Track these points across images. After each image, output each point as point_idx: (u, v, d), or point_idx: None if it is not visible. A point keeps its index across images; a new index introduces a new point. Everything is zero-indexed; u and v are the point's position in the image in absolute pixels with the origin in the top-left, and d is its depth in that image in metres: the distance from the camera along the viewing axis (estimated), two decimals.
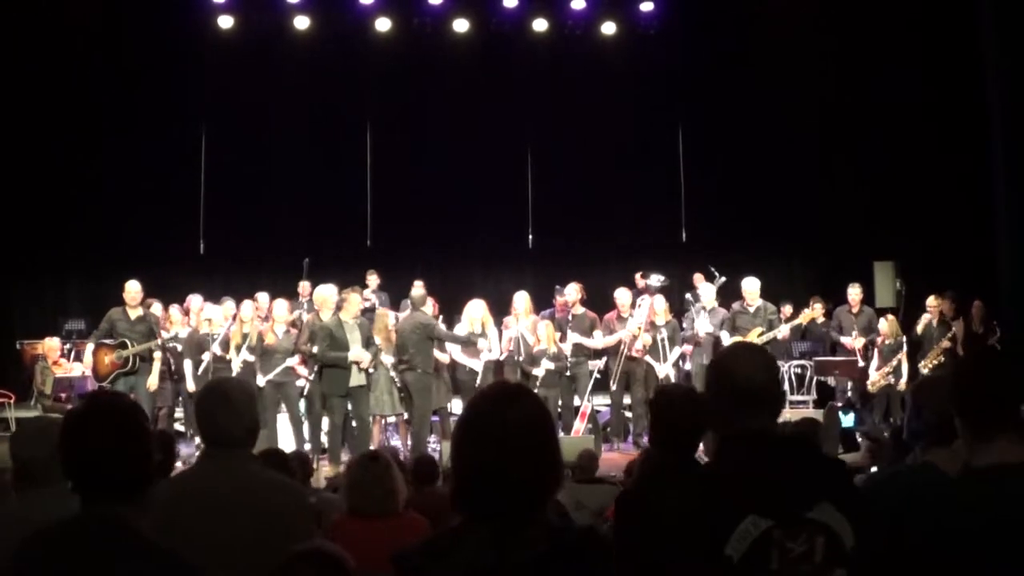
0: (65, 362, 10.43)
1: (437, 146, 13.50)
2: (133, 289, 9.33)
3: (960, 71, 11.86)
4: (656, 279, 10.33)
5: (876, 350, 10.54)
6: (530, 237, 13.81)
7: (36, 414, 10.31)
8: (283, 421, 9.40)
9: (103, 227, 12.74)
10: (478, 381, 9.63)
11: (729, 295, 10.35)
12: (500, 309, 10.35)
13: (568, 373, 9.80)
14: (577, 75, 13.58)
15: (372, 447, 8.84)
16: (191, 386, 9.47)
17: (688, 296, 10.72)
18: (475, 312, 9.89)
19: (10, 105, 12.32)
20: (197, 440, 9.00)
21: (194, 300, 10.68)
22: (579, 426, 9.55)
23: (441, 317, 10.20)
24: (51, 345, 10.37)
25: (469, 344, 9.63)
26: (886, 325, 10.50)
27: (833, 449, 7.35)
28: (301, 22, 13.22)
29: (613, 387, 10.03)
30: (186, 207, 13.06)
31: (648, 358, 10.01)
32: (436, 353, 9.60)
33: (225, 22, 13.10)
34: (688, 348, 10.27)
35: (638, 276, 11.32)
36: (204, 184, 13.26)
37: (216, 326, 9.59)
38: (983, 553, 2.12)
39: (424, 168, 13.40)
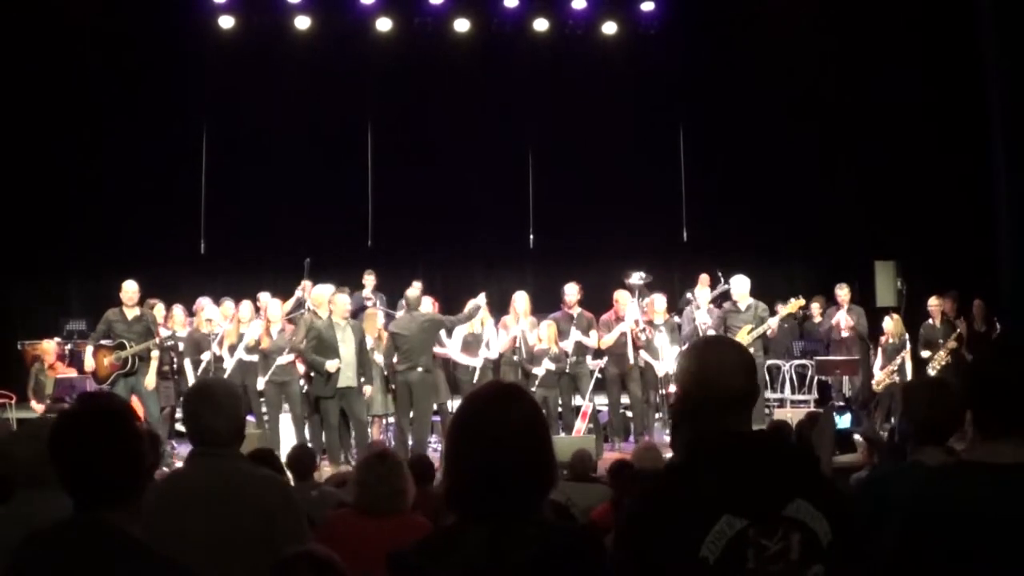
0: (62, 365, 10.41)
1: (438, 146, 13.50)
2: (130, 289, 9.34)
3: (960, 71, 11.85)
4: (638, 276, 10.31)
5: (880, 349, 10.55)
6: (531, 237, 13.81)
7: (36, 415, 10.35)
8: (285, 421, 9.42)
9: (104, 227, 12.74)
10: (475, 379, 9.66)
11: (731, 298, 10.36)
12: (501, 309, 10.35)
13: (568, 371, 9.81)
14: (578, 75, 13.58)
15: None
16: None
17: (688, 295, 10.72)
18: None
19: (10, 105, 12.34)
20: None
21: (202, 302, 10.69)
22: (580, 426, 9.56)
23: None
24: (47, 348, 10.35)
25: (471, 319, 9.65)
26: (891, 324, 10.51)
27: (829, 450, 7.33)
28: (302, 22, 13.23)
29: (632, 361, 9.97)
30: (186, 207, 13.06)
31: (646, 355, 10.01)
32: (441, 350, 9.68)
33: (226, 22, 13.10)
34: (687, 347, 10.26)
35: (623, 277, 11.34)
36: (204, 184, 13.26)
37: (216, 326, 9.61)
38: (963, 548, 2.11)
39: (425, 168, 13.40)
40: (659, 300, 10.31)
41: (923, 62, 12.22)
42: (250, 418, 9.90)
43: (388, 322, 10.01)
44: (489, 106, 13.43)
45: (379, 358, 9.37)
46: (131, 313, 9.30)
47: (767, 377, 11.46)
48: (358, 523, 3.55)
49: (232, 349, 9.41)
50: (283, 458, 6.09)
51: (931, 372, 10.34)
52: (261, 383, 9.23)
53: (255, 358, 9.43)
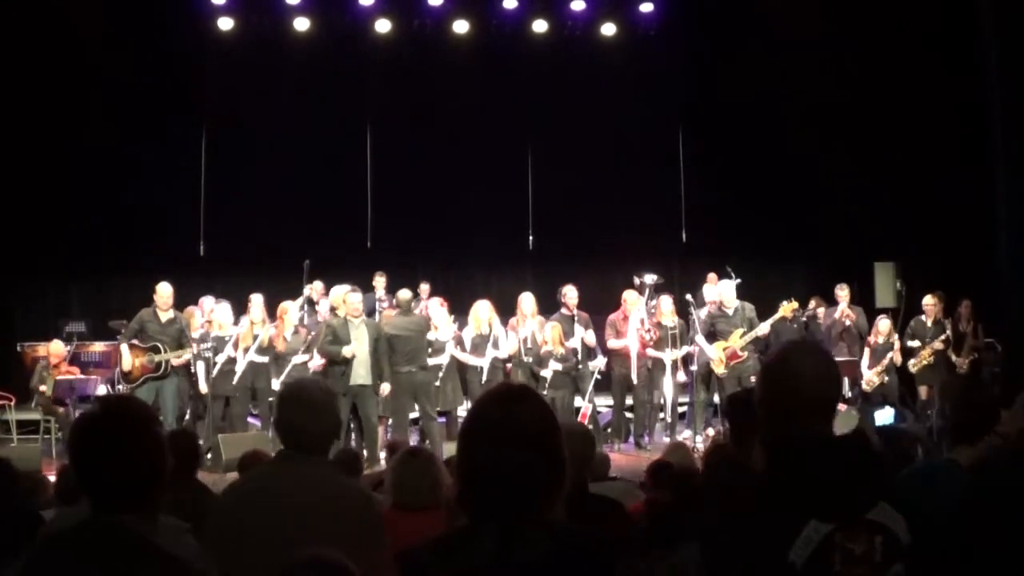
0: (67, 366, 10.40)
1: (437, 148, 13.50)
2: (165, 293, 9.32)
3: (960, 72, 11.86)
4: (650, 278, 10.36)
5: (868, 349, 10.58)
6: (530, 238, 13.81)
7: (36, 416, 10.36)
8: None
9: (103, 229, 12.73)
10: (483, 379, 9.69)
11: (742, 295, 10.37)
12: (501, 310, 10.37)
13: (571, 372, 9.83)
14: (577, 76, 13.59)
15: (379, 447, 8.89)
16: (203, 387, 9.52)
17: (688, 297, 10.72)
18: (482, 313, 9.94)
19: (11, 106, 12.33)
20: (200, 440, 9.04)
21: (209, 303, 10.69)
22: None
23: (453, 317, 10.27)
24: (56, 350, 10.35)
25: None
26: (887, 325, 10.53)
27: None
28: (301, 23, 13.21)
29: (636, 380, 9.99)
30: (186, 209, 13.05)
31: (653, 351, 10.04)
32: (456, 353, 9.67)
33: (225, 24, 13.08)
34: (695, 348, 10.29)
35: (634, 276, 11.35)
36: (204, 186, 13.26)
37: (227, 328, 9.61)
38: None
39: (424, 169, 13.40)
40: (666, 302, 10.33)
41: (923, 63, 12.22)
42: (253, 420, 9.91)
43: None
44: (488, 107, 13.42)
45: None
46: (165, 316, 9.32)
47: None
48: (401, 520, 3.59)
49: (246, 350, 9.42)
50: None
51: (912, 369, 10.43)
52: (276, 384, 9.24)
53: (266, 359, 9.44)
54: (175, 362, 9.27)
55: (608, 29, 13.67)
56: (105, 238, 12.72)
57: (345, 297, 9.12)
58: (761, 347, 10.07)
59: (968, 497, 2.33)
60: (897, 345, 10.40)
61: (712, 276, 11.55)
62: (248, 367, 9.40)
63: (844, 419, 8.58)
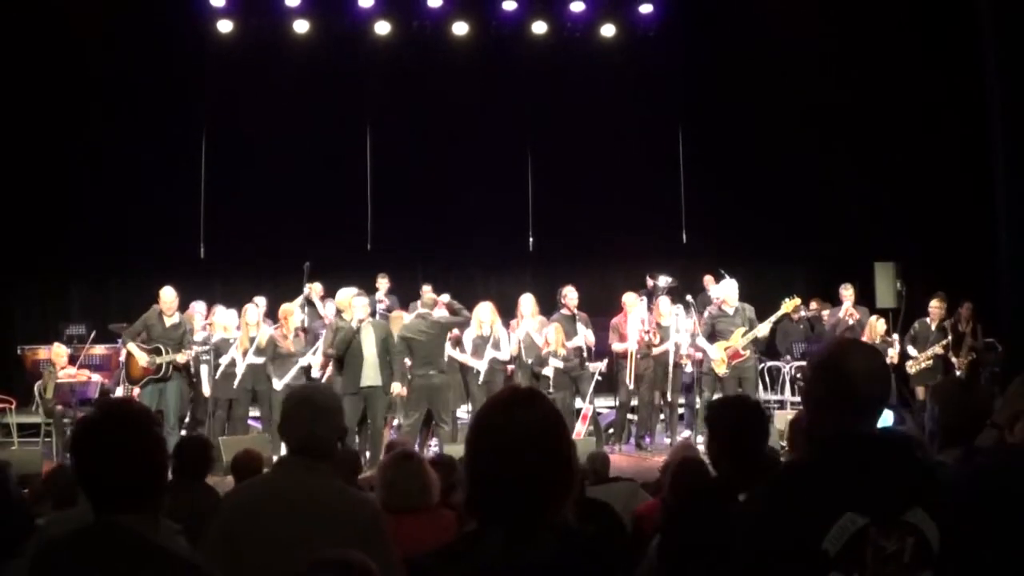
0: (71, 368, 10.39)
1: (437, 149, 13.50)
2: (168, 298, 9.35)
3: (960, 71, 11.86)
4: (664, 280, 10.41)
5: None
6: (530, 239, 13.81)
7: (37, 419, 10.34)
8: None
9: (103, 231, 12.73)
10: (480, 380, 9.68)
11: (742, 296, 10.36)
12: (501, 311, 10.37)
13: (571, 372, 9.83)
14: (577, 77, 13.59)
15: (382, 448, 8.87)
16: (207, 391, 9.53)
17: (688, 298, 10.72)
18: (483, 314, 9.93)
19: (11, 107, 12.33)
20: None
21: (197, 307, 10.70)
22: (580, 428, 9.55)
23: None
24: (58, 352, 10.34)
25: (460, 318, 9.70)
26: (883, 326, 10.53)
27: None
28: (300, 26, 13.22)
29: (631, 385, 10.01)
30: (186, 211, 13.04)
31: (659, 345, 10.05)
32: (455, 354, 9.68)
33: (224, 26, 13.09)
34: (692, 350, 10.29)
35: (648, 277, 11.35)
36: (204, 188, 13.25)
37: (232, 331, 9.62)
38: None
39: (424, 171, 13.41)
40: (664, 303, 10.34)
41: (923, 62, 12.23)
42: (254, 423, 9.91)
43: None
44: (488, 109, 13.42)
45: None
46: (169, 320, 9.35)
47: (767, 378, 11.49)
48: (391, 521, 3.59)
49: (245, 353, 9.42)
50: None
51: (911, 372, 10.42)
52: (277, 384, 9.24)
53: (262, 360, 9.44)
54: (179, 360, 9.27)
55: (608, 30, 13.68)
56: (105, 240, 12.73)
57: (352, 301, 9.09)
58: (761, 347, 10.06)
59: (960, 500, 2.33)
60: (897, 346, 10.39)
61: (708, 278, 11.53)
62: (247, 370, 9.40)
63: None
